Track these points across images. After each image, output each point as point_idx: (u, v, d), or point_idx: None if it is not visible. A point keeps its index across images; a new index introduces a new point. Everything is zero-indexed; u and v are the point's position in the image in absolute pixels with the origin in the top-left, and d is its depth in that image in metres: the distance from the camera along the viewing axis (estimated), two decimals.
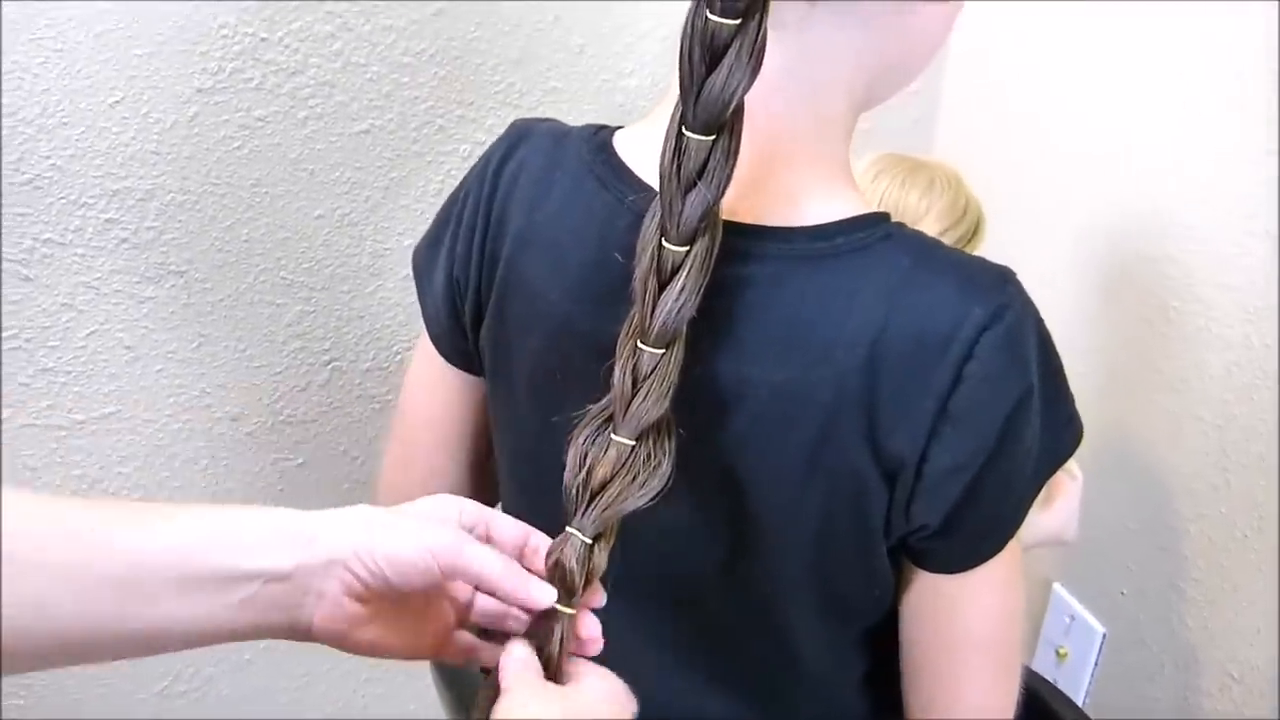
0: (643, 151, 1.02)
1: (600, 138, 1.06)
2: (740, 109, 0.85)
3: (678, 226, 0.88)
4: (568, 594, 0.91)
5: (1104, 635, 1.95)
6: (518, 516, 0.96)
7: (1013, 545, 1.02)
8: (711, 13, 0.83)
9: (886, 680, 1.13)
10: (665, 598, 1.10)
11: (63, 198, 1.61)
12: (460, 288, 1.12)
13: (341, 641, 0.89)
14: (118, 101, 1.59)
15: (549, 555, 0.92)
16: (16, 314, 1.65)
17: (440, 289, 1.15)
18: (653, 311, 0.89)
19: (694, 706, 1.16)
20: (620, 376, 0.92)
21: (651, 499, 0.91)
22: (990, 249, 1.51)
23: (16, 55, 1.51)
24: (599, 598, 0.94)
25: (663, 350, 0.90)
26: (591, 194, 1.03)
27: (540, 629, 0.92)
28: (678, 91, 0.87)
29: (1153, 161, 1.75)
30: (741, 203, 0.95)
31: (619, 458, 0.92)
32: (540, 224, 1.05)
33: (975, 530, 0.99)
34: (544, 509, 0.96)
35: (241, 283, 1.78)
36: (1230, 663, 1.71)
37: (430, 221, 1.19)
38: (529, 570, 0.93)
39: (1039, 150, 1.99)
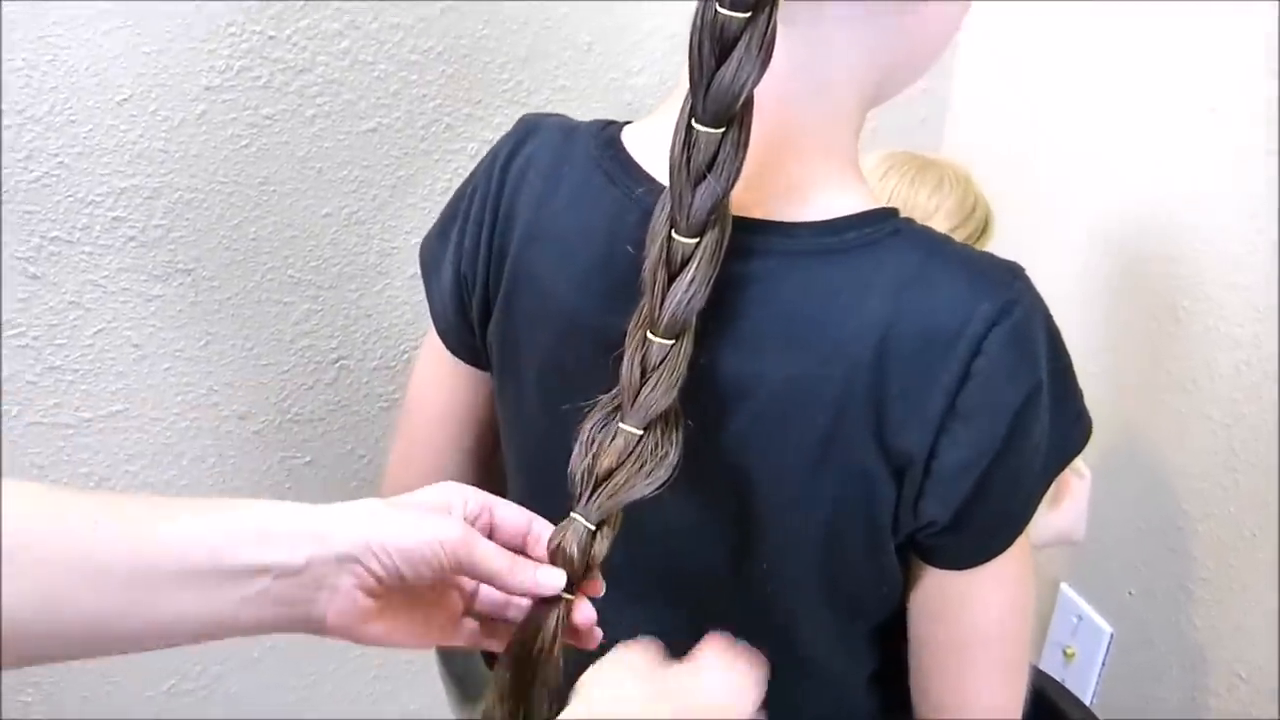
0: (650, 146, 1.01)
1: (608, 133, 1.06)
2: (750, 102, 0.85)
3: (687, 218, 0.88)
4: (567, 580, 0.91)
5: (1111, 635, 1.95)
6: None
7: (1022, 541, 1.02)
8: (721, 6, 0.83)
9: (894, 678, 1.13)
10: (670, 594, 1.10)
11: (70, 195, 1.61)
12: (468, 283, 1.12)
13: (353, 634, 0.89)
14: (125, 99, 1.59)
15: (551, 540, 0.93)
16: (24, 312, 1.65)
17: (448, 284, 1.14)
18: (662, 302, 0.90)
19: None
20: (629, 366, 0.92)
21: (657, 488, 0.91)
22: (998, 248, 1.50)
23: (25, 53, 1.51)
24: (598, 586, 0.94)
25: (672, 341, 0.90)
26: (599, 189, 1.03)
27: (538, 615, 0.92)
28: (687, 85, 0.87)
29: (1161, 160, 1.74)
30: (750, 197, 0.95)
31: (626, 446, 0.92)
32: (548, 219, 1.05)
33: (984, 526, 0.99)
34: (550, 504, 0.96)
35: (249, 281, 1.78)
36: (1238, 663, 1.71)
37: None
38: (530, 558, 0.93)
39: (1047, 149, 1.98)
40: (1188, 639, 1.79)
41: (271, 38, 1.64)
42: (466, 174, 1.17)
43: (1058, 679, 1.86)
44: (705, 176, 0.87)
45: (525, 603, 0.94)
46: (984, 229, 1.60)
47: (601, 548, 0.92)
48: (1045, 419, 0.96)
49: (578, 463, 0.94)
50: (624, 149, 1.04)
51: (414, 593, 0.90)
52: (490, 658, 0.97)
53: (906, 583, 1.07)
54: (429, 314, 1.20)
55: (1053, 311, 0.96)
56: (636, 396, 0.92)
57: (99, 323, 1.70)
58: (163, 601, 0.81)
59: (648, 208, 0.93)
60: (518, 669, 0.94)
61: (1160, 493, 1.80)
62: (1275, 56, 1.52)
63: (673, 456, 0.91)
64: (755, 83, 0.84)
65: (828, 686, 1.14)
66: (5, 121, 1.53)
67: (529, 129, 1.13)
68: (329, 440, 1.96)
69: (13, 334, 1.65)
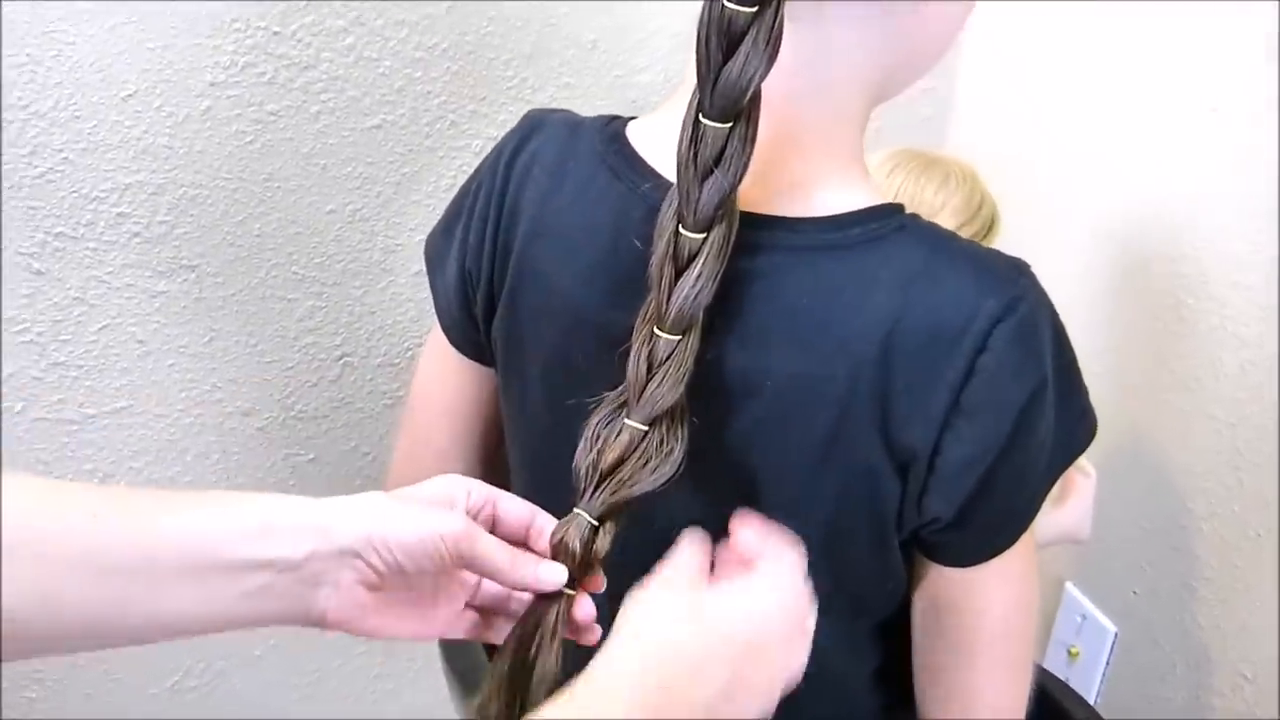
0: (656, 141, 1.01)
1: (613, 128, 1.06)
2: (757, 96, 0.86)
3: (694, 213, 0.88)
4: (569, 575, 0.91)
5: (1116, 634, 1.94)
6: None
7: (1027, 538, 1.02)
8: (729, 0, 0.83)
9: (898, 675, 1.13)
10: None
11: (74, 191, 1.61)
12: (472, 279, 1.12)
13: (353, 627, 0.89)
14: (130, 95, 1.59)
15: (553, 535, 0.93)
16: (28, 308, 1.65)
17: (452, 280, 1.14)
18: (669, 298, 0.90)
19: None
20: (635, 362, 0.92)
21: (662, 485, 0.91)
22: (1003, 247, 1.49)
23: (30, 48, 1.51)
24: (599, 582, 0.95)
25: (678, 337, 0.91)
26: (605, 184, 1.03)
27: (538, 609, 0.92)
28: (694, 80, 0.87)
29: (1165, 160, 1.74)
30: (756, 193, 0.95)
31: (631, 442, 0.92)
32: (553, 214, 1.05)
33: (988, 523, 0.99)
34: (554, 500, 0.96)
35: (253, 277, 1.78)
36: (1243, 662, 1.71)
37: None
38: (533, 551, 0.93)
39: (1050, 149, 1.98)
40: (1192, 638, 1.79)
41: (276, 34, 1.64)
42: (471, 171, 1.17)
43: (1062, 678, 1.86)
44: (713, 171, 0.87)
45: (527, 596, 0.94)
46: (990, 227, 1.60)
47: (604, 543, 0.92)
48: (1050, 416, 0.96)
49: (582, 458, 0.94)
50: (629, 144, 1.04)
51: (415, 586, 0.90)
52: (492, 650, 0.97)
53: (910, 580, 1.07)
54: (433, 311, 1.20)
55: (1058, 309, 0.96)
56: (642, 392, 0.92)
57: (103, 319, 1.70)
58: (162, 595, 0.81)
59: (653, 203, 0.93)
60: (516, 662, 0.94)
61: (1164, 492, 1.80)
62: (1276, 56, 1.52)
63: (678, 453, 0.92)
64: (763, 77, 0.84)
65: (831, 683, 1.14)
66: (9, 117, 1.53)
67: (534, 125, 1.13)
68: (333, 437, 1.96)
69: (17, 329, 1.65)
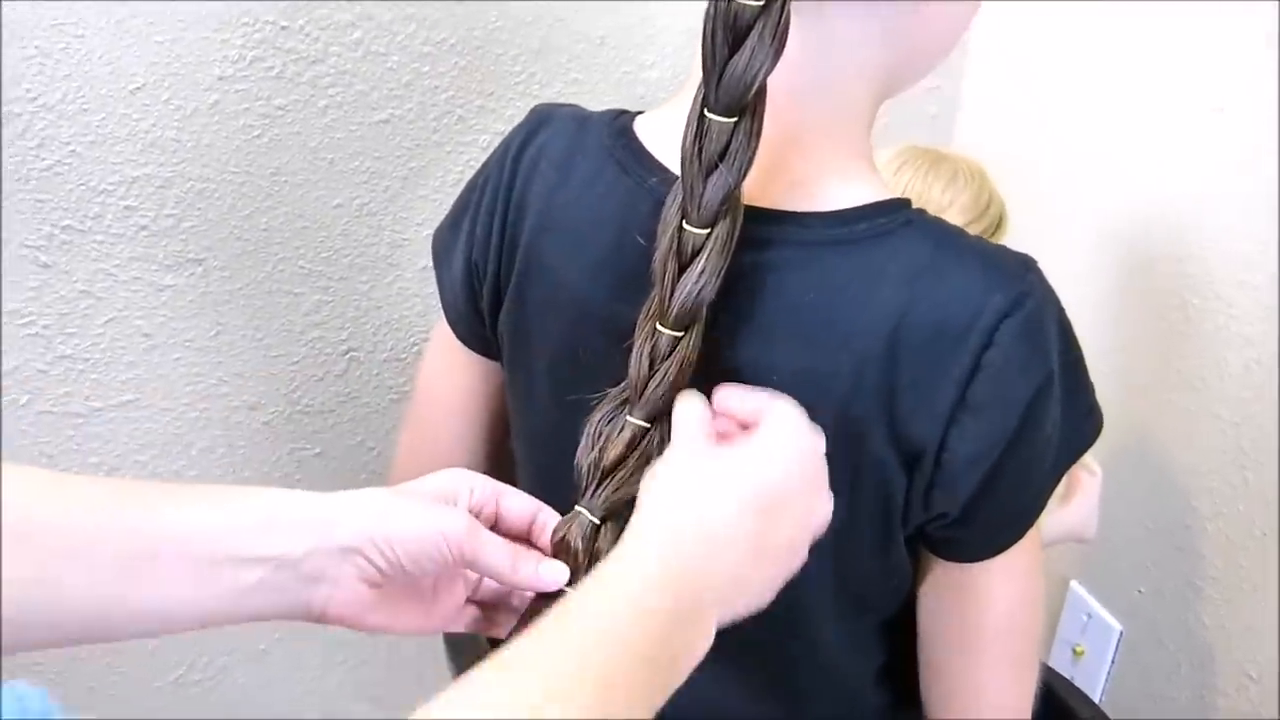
0: (663, 136, 1.01)
1: (621, 122, 1.06)
2: (763, 91, 0.85)
3: (699, 209, 0.88)
4: (570, 573, 0.91)
5: (1121, 633, 1.94)
6: None
7: (1033, 534, 1.02)
8: None
9: (904, 672, 1.13)
10: None
11: (82, 184, 1.61)
12: (479, 272, 1.12)
13: (353, 623, 0.89)
14: (138, 88, 1.59)
15: (555, 532, 0.92)
16: (35, 300, 1.65)
17: (459, 273, 1.14)
18: (672, 293, 0.89)
19: (708, 697, 1.15)
20: (638, 358, 0.92)
21: None
22: (1010, 245, 1.51)
23: (39, 41, 1.51)
24: None
25: (681, 333, 0.90)
26: (612, 179, 1.03)
27: (540, 607, 0.92)
28: (700, 75, 0.87)
29: (1171, 160, 1.74)
30: (761, 188, 0.95)
31: (633, 439, 0.92)
32: (560, 208, 1.05)
33: (994, 519, 0.99)
34: (559, 494, 0.96)
35: (260, 271, 1.78)
36: (1248, 662, 1.71)
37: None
38: (536, 547, 0.93)
39: (1057, 147, 1.98)
40: (1197, 638, 1.79)
41: (284, 28, 1.64)
42: (478, 166, 1.17)
43: (1066, 677, 1.86)
44: (717, 166, 0.87)
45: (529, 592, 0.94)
46: (998, 225, 1.60)
47: (606, 542, 0.92)
48: (1056, 412, 0.96)
49: (584, 455, 0.94)
50: (636, 138, 1.04)
51: (416, 582, 0.90)
52: (495, 644, 0.97)
53: (916, 576, 1.07)
54: (440, 306, 1.20)
55: (1064, 306, 0.96)
56: (644, 389, 0.92)
57: (110, 312, 1.70)
58: (161, 589, 0.81)
59: (660, 198, 0.93)
60: None
61: (1169, 491, 1.80)
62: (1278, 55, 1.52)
63: None
64: (768, 72, 0.84)
65: (837, 680, 1.14)
66: (17, 110, 1.53)
67: (541, 119, 1.12)
68: (338, 432, 1.96)
69: (23, 322, 1.65)
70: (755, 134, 0.87)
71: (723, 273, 0.89)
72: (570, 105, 1.14)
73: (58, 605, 0.78)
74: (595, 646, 0.74)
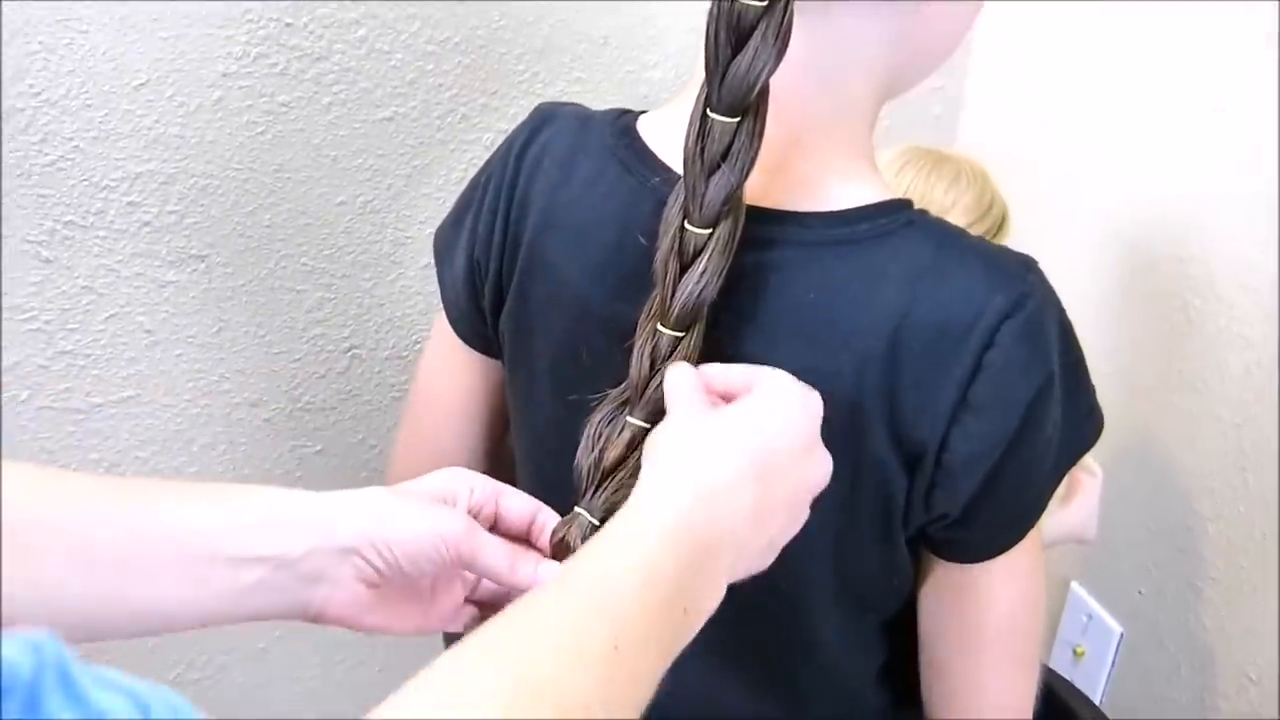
0: (666, 135, 1.01)
1: (624, 121, 1.06)
2: (765, 91, 0.85)
3: (700, 209, 0.88)
4: None
5: (1121, 635, 1.94)
6: None
7: (1034, 535, 1.02)
8: None
9: (904, 671, 1.13)
10: None
11: (85, 180, 1.61)
12: (481, 270, 1.12)
13: (351, 623, 0.88)
14: (142, 84, 1.59)
15: (554, 534, 0.92)
16: (36, 296, 1.65)
17: (461, 271, 1.14)
18: (673, 294, 0.89)
19: (708, 695, 1.15)
20: (638, 358, 0.92)
21: None
22: (1012, 246, 1.51)
23: (43, 36, 1.51)
24: None
25: (682, 333, 0.90)
26: (615, 178, 1.03)
27: None
28: (702, 74, 0.87)
29: (1173, 161, 1.74)
30: (763, 188, 0.95)
31: (633, 440, 0.92)
32: (563, 206, 1.05)
33: (995, 520, 0.99)
34: (560, 492, 0.96)
35: (262, 268, 1.78)
36: (1248, 664, 1.71)
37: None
38: (535, 547, 0.93)
39: (1061, 148, 1.98)
40: (1197, 639, 1.79)
41: (289, 25, 1.64)
42: (481, 164, 1.17)
43: (1067, 678, 1.86)
44: (720, 166, 0.87)
45: None
46: (1000, 226, 1.60)
47: None
48: (1057, 413, 0.96)
49: (584, 456, 0.94)
50: (639, 138, 1.04)
51: (414, 582, 0.90)
52: None
53: (917, 576, 1.07)
54: (441, 303, 1.20)
55: (1065, 308, 0.96)
56: (645, 389, 0.92)
57: (111, 308, 1.70)
58: (157, 588, 0.81)
59: (662, 197, 0.93)
60: None
61: (1170, 493, 1.80)
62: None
63: None
64: (771, 72, 0.84)
65: (837, 679, 1.14)
66: (20, 105, 1.53)
67: (545, 117, 1.13)
68: (340, 429, 1.96)
69: (24, 318, 1.65)
70: (758, 134, 0.87)
71: (724, 273, 0.89)
72: (573, 104, 1.14)
73: (55, 604, 0.78)
74: (604, 604, 0.73)
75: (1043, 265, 0.96)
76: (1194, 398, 1.74)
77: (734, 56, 0.84)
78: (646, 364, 0.92)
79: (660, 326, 0.91)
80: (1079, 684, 1.89)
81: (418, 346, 1.94)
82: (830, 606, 1.07)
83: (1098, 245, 1.90)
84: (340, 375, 1.92)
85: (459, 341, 1.19)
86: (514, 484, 0.97)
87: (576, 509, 0.93)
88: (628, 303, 0.95)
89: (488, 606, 0.97)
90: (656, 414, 0.91)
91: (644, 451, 0.86)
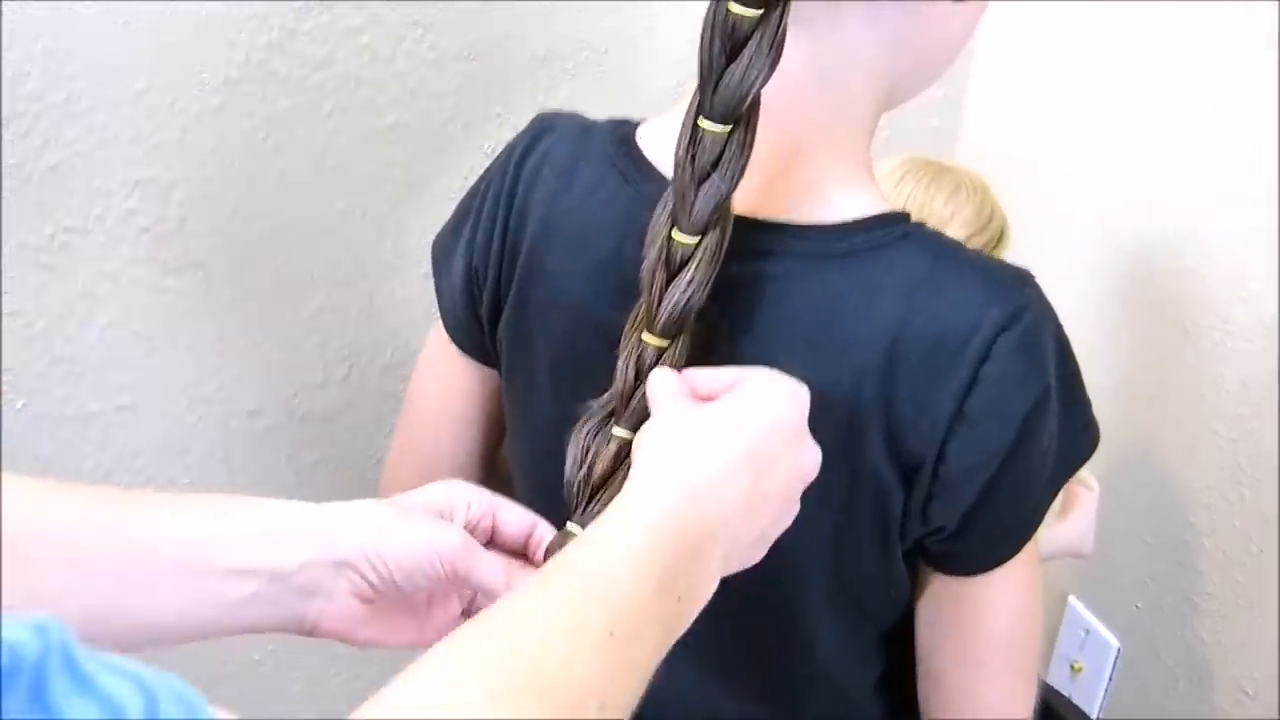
0: (665, 145, 1.01)
1: (623, 131, 1.07)
2: (757, 101, 0.86)
3: (689, 217, 0.88)
4: None
5: (1118, 649, 1.94)
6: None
7: (1030, 548, 1.02)
8: (735, 2, 0.83)
9: (902, 683, 1.13)
10: None
11: (84, 185, 1.61)
12: (479, 278, 1.12)
13: (346, 637, 0.88)
14: (143, 90, 1.59)
15: (548, 550, 0.92)
16: (34, 302, 1.65)
17: (459, 279, 1.14)
18: (659, 302, 0.89)
19: (706, 705, 1.15)
20: (623, 368, 0.92)
21: None
22: (1009, 259, 1.51)
23: (44, 41, 1.51)
24: None
25: (668, 342, 0.90)
26: (614, 187, 1.03)
27: None
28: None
29: (1174, 174, 1.74)
30: (762, 199, 0.95)
31: (620, 451, 0.92)
32: (562, 215, 1.05)
33: (992, 532, 0.99)
34: (558, 502, 0.96)
35: (262, 276, 1.77)
36: (1245, 678, 1.71)
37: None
38: (533, 561, 0.93)
39: (1060, 162, 1.98)
40: (1195, 654, 1.79)
41: (291, 32, 1.64)
42: (482, 173, 1.17)
43: (1064, 693, 1.86)
44: (710, 175, 0.87)
45: None
46: (1000, 238, 1.60)
47: None
48: (1053, 426, 0.96)
49: (573, 472, 0.94)
50: (638, 147, 1.04)
51: (409, 596, 0.90)
52: None
53: (915, 589, 1.07)
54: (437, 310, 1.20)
55: (1062, 323, 0.96)
56: (630, 399, 0.92)
57: (109, 315, 1.70)
58: (150, 600, 0.81)
59: None
60: None
61: (1167, 507, 1.80)
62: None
63: None
64: (764, 82, 0.84)
65: (834, 689, 1.14)
66: (21, 109, 1.53)
67: (545, 126, 1.13)
68: (338, 439, 1.96)
69: (22, 324, 1.65)
70: (748, 144, 0.87)
71: (711, 282, 0.89)
72: (573, 113, 1.14)
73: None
74: (598, 593, 0.73)
75: (1040, 277, 0.96)
76: (1190, 412, 1.74)
77: (728, 65, 0.84)
78: (631, 374, 0.91)
79: (645, 336, 0.91)
80: (1077, 699, 1.90)
81: (417, 356, 1.93)
82: (828, 617, 1.07)
83: (1096, 258, 1.90)
84: (339, 384, 1.91)
85: (455, 350, 1.19)
86: (508, 492, 0.97)
87: (569, 525, 0.93)
88: (625, 312, 0.95)
89: None
90: (642, 424, 0.90)
91: (634, 449, 0.86)
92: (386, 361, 1.93)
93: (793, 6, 0.85)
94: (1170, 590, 1.83)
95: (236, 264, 1.75)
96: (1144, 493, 1.84)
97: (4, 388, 1.67)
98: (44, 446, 1.74)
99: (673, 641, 0.78)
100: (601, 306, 1.01)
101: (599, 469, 0.92)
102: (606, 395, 0.94)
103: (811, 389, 0.90)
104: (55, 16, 1.51)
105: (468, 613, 0.96)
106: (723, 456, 0.82)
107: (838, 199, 0.96)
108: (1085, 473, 1.61)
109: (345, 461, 1.97)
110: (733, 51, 0.84)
